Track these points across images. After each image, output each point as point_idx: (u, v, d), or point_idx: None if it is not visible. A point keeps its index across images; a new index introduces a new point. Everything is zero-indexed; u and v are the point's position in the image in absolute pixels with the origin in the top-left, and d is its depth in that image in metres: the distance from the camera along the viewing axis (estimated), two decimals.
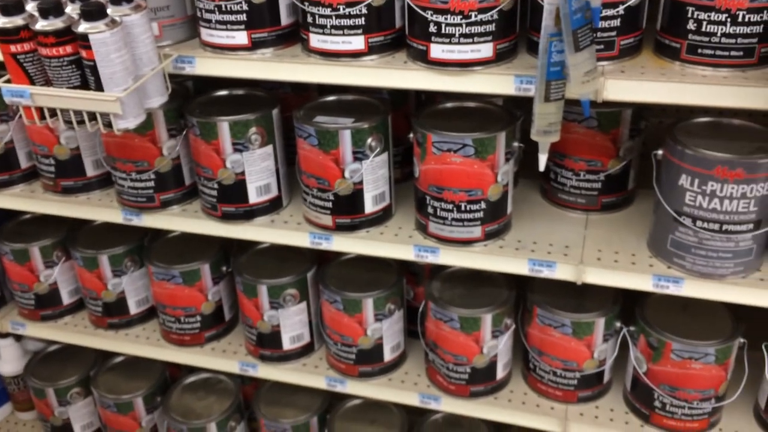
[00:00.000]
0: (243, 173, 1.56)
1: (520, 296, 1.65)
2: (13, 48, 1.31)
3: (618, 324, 1.57)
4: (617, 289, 1.48)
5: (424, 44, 1.28)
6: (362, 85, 1.35)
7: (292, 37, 1.44)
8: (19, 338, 2.15)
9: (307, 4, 1.33)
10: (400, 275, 1.71)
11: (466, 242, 1.47)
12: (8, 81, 1.36)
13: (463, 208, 1.43)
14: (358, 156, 1.47)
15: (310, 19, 1.35)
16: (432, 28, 1.26)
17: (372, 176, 1.51)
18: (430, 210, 1.47)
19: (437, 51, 1.27)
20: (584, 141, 1.51)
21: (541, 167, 1.27)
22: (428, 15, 1.25)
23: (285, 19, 1.42)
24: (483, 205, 1.43)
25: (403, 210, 1.61)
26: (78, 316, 2.00)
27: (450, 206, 1.43)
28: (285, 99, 1.67)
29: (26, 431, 2.25)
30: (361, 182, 1.50)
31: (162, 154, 1.62)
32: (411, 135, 1.47)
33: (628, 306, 1.58)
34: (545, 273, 1.44)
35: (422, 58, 1.30)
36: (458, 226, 1.45)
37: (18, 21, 1.30)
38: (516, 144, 1.44)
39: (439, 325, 1.61)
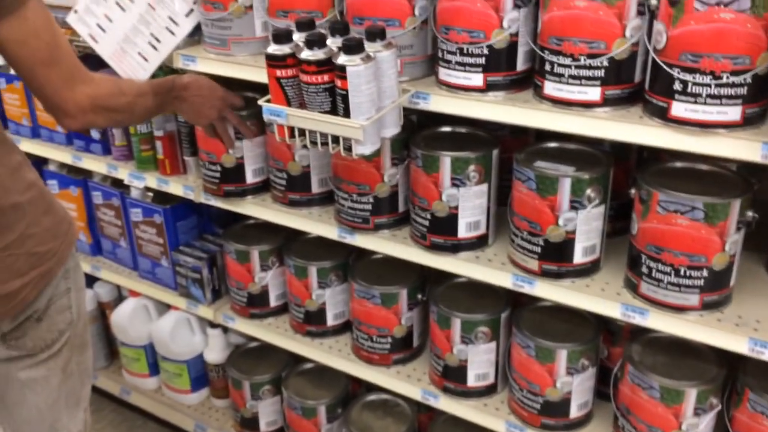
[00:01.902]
0: (456, 207, 1.62)
1: (728, 375, 1.53)
2: (278, 72, 1.48)
3: None
4: None
5: (665, 101, 1.26)
6: (593, 136, 1.35)
7: (526, 82, 1.49)
8: (225, 330, 2.37)
9: (547, 52, 1.37)
10: (597, 331, 1.67)
11: (681, 309, 1.40)
12: (268, 101, 1.54)
13: (682, 273, 1.37)
14: (575, 205, 1.47)
15: (547, 67, 1.38)
16: (677, 86, 1.24)
17: (585, 227, 1.49)
18: (644, 269, 1.42)
19: (679, 109, 1.25)
20: None
21: None
22: (674, 72, 1.23)
23: (521, 65, 1.47)
24: (705, 272, 1.36)
25: (612, 265, 1.58)
26: (281, 318, 2.17)
27: (668, 269, 1.38)
28: (502, 140, 1.72)
29: (218, 416, 2.46)
30: (573, 231, 1.49)
31: (383, 180, 1.73)
32: (633, 190, 1.45)
33: None
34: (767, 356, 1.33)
35: (661, 114, 1.28)
36: (674, 290, 1.39)
37: (286, 49, 1.46)
38: (750, 213, 1.36)
39: (636, 391, 1.54)
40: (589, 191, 1.46)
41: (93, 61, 2.43)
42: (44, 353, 1.44)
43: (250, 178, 1.98)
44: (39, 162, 2.48)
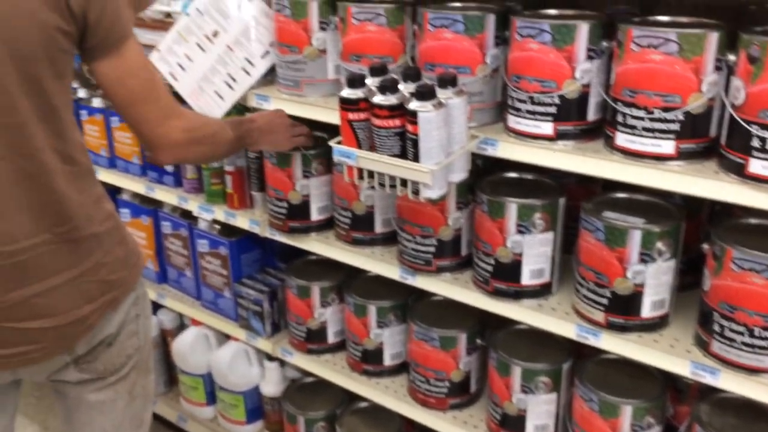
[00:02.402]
0: (521, 254, 1.61)
1: None
2: (350, 115, 1.51)
3: None
4: None
5: (742, 158, 1.24)
6: (665, 189, 1.33)
7: (596, 132, 1.48)
8: (282, 364, 2.39)
9: (620, 104, 1.37)
10: (664, 388, 1.62)
11: (755, 371, 1.35)
12: (339, 142, 1.58)
13: (756, 333, 1.32)
14: (645, 258, 1.44)
15: (620, 119, 1.38)
16: (755, 143, 1.21)
17: (655, 281, 1.46)
18: (716, 328, 1.38)
19: (757, 167, 1.22)
20: None
21: None
22: (753, 129, 1.21)
23: (592, 115, 1.47)
24: None
25: (681, 321, 1.53)
26: (338, 355, 2.18)
27: (741, 329, 1.34)
28: (569, 188, 1.71)
29: None
30: (642, 285, 1.46)
31: (447, 223, 1.74)
32: (705, 246, 1.41)
33: None
34: None
35: (738, 171, 1.25)
36: (748, 351, 1.34)
37: (359, 93, 1.50)
38: None
39: None
40: (659, 244, 1.43)
41: None
42: (113, 376, 1.49)
43: (315, 216, 2.02)
44: (113, 191, 2.59)
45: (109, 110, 2.45)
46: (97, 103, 2.48)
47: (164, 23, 2.20)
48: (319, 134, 1.95)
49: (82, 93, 2.60)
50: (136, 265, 1.49)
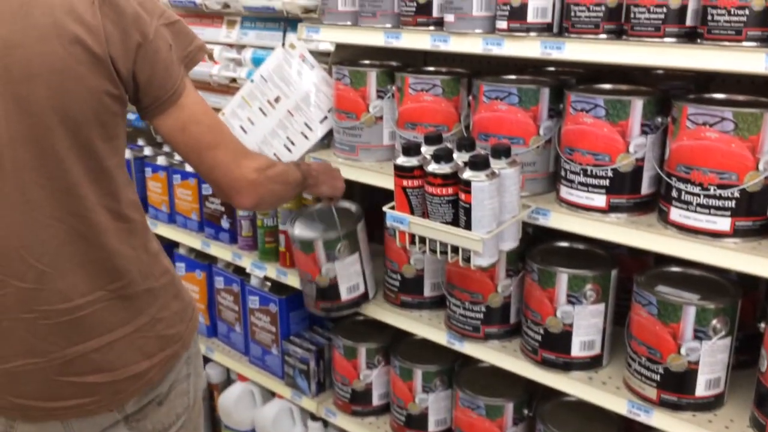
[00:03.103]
0: (571, 325, 1.60)
1: None
2: (405, 182, 1.55)
3: None
4: None
5: None
6: (722, 266, 1.32)
7: (650, 206, 1.48)
8: (326, 424, 2.38)
9: (674, 179, 1.37)
10: None
11: None
12: (392, 207, 1.62)
13: None
14: (699, 335, 1.42)
15: (674, 194, 1.38)
16: None
17: (710, 358, 1.43)
18: None
19: None
20: None
21: None
22: None
23: (645, 189, 1.48)
24: None
25: (737, 401, 1.49)
26: (381, 419, 2.17)
27: None
28: (620, 259, 1.70)
29: None
30: (697, 362, 1.43)
31: (497, 290, 1.74)
32: (762, 324, 1.38)
33: None
34: None
35: None
36: None
37: (414, 161, 1.55)
38: None
39: None
40: (714, 322, 1.41)
41: None
42: None
43: None
44: (171, 245, 2.68)
45: (172, 168, 2.56)
46: (161, 160, 2.60)
47: (229, 88, 2.31)
48: (345, 205, 1.99)
49: (147, 151, 2.73)
50: (192, 319, 1.49)
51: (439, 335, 1.88)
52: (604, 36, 1.40)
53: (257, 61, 2.17)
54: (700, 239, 1.34)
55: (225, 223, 2.41)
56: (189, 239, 2.55)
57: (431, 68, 1.92)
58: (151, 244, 1.40)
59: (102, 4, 1.16)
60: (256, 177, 1.40)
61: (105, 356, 1.32)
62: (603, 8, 1.39)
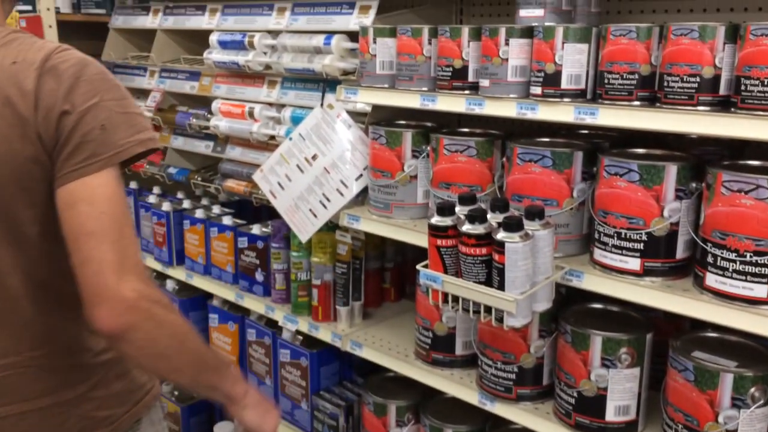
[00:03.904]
0: (605, 389, 1.58)
1: None
2: (439, 242, 1.58)
3: None
4: None
5: None
6: (759, 333, 1.31)
7: (685, 270, 1.48)
8: None
9: (710, 245, 1.37)
10: None
11: None
12: (425, 266, 1.64)
13: None
14: (737, 403, 1.39)
15: (710, 259, 1.38)
16: None
17: (749, 428, 1.40)
18: None
19: None
20: None
21: None
22: None
23: (680, 253, 1.48)
24: None
25: None
26: None
27: None
28: (655, 322, 1.68)
29: None
30: (735, 431, 1.40)
31: (529, 351, 1.74)
32: None
33: None
34: None
35: None
36: None
37: (448, 221, 1.57)
38: None
39: None
40: (753, 390, 1.38)
41: (265, 212, 2.70)
42: None
43: None
44: (205, 297, 2.72)
45: (210, 221, 2.62)
46: (198, 213, 2.66)
47: (268, 145, 2.38)
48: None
49: (186, 203, 2.80)
50: (138, 403, 1.34)
51: (470, 395, 1.87)
52: (637, 103, 1.43)
53: (296, 120, 2.24)
54: (736, 305, 1.34)
55: (259, 276, 2.45)
56: (223, 291, 2.58)
57: (465, 129, 1.96)
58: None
59: (45, 71, 1.13)
60: (132, 298, 1.10)
61: (15, 426, 1.22)
62: (636, 76, 1.42)
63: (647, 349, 1.59)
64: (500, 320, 1.51)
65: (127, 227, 1.15)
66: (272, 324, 2.47)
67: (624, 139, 1.78)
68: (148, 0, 2.96)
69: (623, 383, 1.58)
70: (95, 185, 1.12)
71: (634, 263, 1.48)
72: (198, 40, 2.73)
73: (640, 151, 1.59)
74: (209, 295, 2.71)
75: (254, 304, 2.47)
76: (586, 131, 1.92)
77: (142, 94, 2.95)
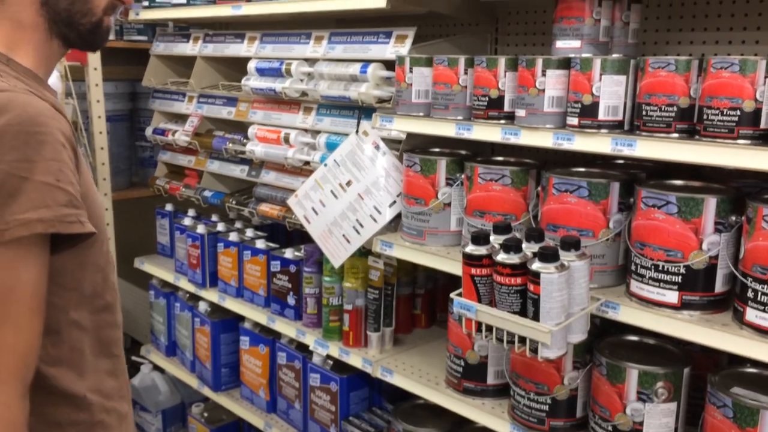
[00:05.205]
0: (641, 423, 1.56)
1: None
2: (473, 270, 1.58)
3: None
4: None
5: None
6: None
7: (724, 304, 1.46)
8: None
9: (750, 279, 1.35)
10: None
11: None
12: (459, 294, 1.64)
13: None
14: None
15: (750, 294, 1.36)
16: None
17: None
18: None
19: None
20: None
21: None
22: None
23: (719, 287, 1.46)
24: None
25: None
26: None
27: None
28: (692, 356, 1.66)
29: None
30: None
31: (563, 382, 1.72)
32: None
33: None
34: None
35: None
36: None
37: (483, 250, 1.57)
38: None
39: None
40: None
41: (297, 236, 2.72)
42: None
43: None
44: (236, 319, 2.75)
45: (243, 244, 2.65)
46: (232, 236, 2.70)
47: (302, 170, 2.41)
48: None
49: (220, 226, 2.84)
50: None
51: (501, 425, 1.85)
52: (676, 135, 1.43)
53: (331, 146, 2.27)
54: None
55: (291, 300, 2.46)
56: (255, 314, 2.61)
57: (500, 158, 1.97)
58: (59, 411, 1.12)
59: None
60: None
61: None
62: (675, 108, 1.42)
63: (684, 383, 1.56)
64: (535, 351, 1.50)
65: (10, 328, 0.98)
66: (303, 348, 2.48)
67: (661, 170, 1.77)
68: (189, 28, 3.03)
69: (659, 418, 1.55)
70: None
71: (671, 296, 1.47)
72: (236, 66, 2.79)
73: (678, 182, 1.58)
74: (241, 318, 2.73)
75: (285, 327, 2.49)
76: (621, 161, 1.91)
77: (181, 118, 3.01)
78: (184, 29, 3.07)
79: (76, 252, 1.10)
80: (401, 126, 1.96)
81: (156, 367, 3.23)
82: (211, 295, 2.81)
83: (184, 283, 2.94)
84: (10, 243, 0.96)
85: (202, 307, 2.89)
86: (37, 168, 0.98)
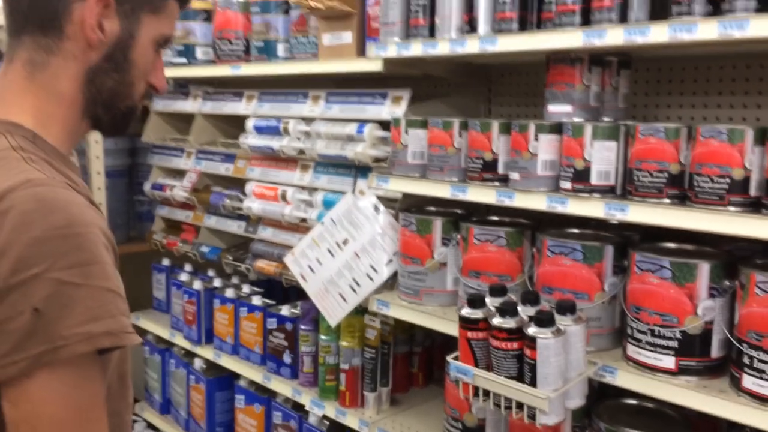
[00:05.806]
0: None
1: None
2: (469, 334, 1.57)
3: None
4: None
5: None
6: None
7: (721, 369, 1.46)
8: None
9: (745, 345, 1.35)
10: None
11: None
12: (456, 357, 1.63)
13: None
14: None
15: (746, 360, 1.36)
16: None
17: None
18: None
19: None
20: None
21: None
22: None
23: (716, 352, 1.46)
24: None
25: None
26: None
27: None
28: (690, 421, 1.64)
29: None
30: None
31: None
32: None
33: None
34: None
35: None
36: None
37: (479, 314, 1.57)
38: None
39: None
40: None
41: (294, 293, 2.71)
42: None
43: None
44: (232, 377, 2.72)
45: (240, 300, 2.64)
46: (229, 293, 2.70)
47: (299, 227, 2.43)
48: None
49: (217, 282, 2.84)
50: None
51: None
52: (667, 201, 1.44)
53: (328, 204, 2.29)
54: None
55: (287, 358, 2.44)
56: (251, 372, 2.58)
57: (495, 218, 1.98)
58: None
59: None
60: None
61: None
62: (666, 175, 1.44)
63: None
64: (533, 417, 1.49)
65: None
66: (299, 407, 2.45)
67: (654, 231, 1.78)
68: (188, 85, 3.09)
69: None
70: (38, 399, 0.86)
71: (668, 361, 1.46)
72: (235, 124, 2.83)
73: (672, 246, 1.59)
74: (236, 375, 2.70)
75: (281, 386, 2.46)
76: (615, 221, 1.92)
77: (179, 174, 3.04)
78: (183, 86, 3.13)
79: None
80: (397, 186, 1.98)
81: (150, 425, 3.18)
82: (207, 352, 2.78)
83: (180, 340, 2.92)
84: (71, 360, 0.86)
85: (198, 364, 2.86)
86: (92, 273, 0.89)
